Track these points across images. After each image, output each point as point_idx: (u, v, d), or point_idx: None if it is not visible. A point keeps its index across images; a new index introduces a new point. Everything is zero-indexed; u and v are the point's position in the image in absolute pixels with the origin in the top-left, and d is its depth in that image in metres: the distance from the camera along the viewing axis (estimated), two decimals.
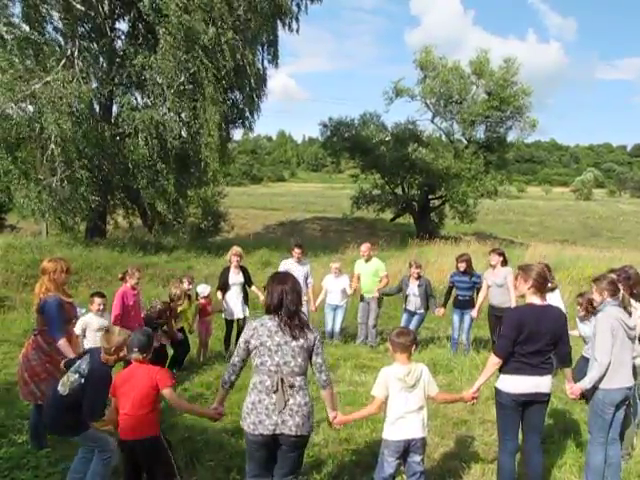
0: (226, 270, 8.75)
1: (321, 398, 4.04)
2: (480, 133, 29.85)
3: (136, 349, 4.00)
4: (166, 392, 3.94)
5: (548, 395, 4.40)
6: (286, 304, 3.66)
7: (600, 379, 4.53)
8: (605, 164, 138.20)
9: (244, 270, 8.86)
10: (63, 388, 4.11)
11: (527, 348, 4.23)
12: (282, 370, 3.60)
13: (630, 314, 4.74)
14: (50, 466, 4.63)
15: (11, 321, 10.20)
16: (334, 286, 9.59)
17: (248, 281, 8.86)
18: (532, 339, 4.22)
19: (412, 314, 9.42)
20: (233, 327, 8.72)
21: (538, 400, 4.34)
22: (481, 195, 28.27)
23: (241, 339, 3.74)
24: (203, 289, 8.65)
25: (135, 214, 22.19)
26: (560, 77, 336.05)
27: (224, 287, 8.62)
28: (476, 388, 4.50)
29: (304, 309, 8.58)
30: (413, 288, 9.33)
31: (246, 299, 8.79)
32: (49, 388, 4.44)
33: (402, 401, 4.05)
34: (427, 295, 9.34)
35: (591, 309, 6.02)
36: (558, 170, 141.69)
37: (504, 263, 8.61)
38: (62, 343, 4.80)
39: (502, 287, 8.39)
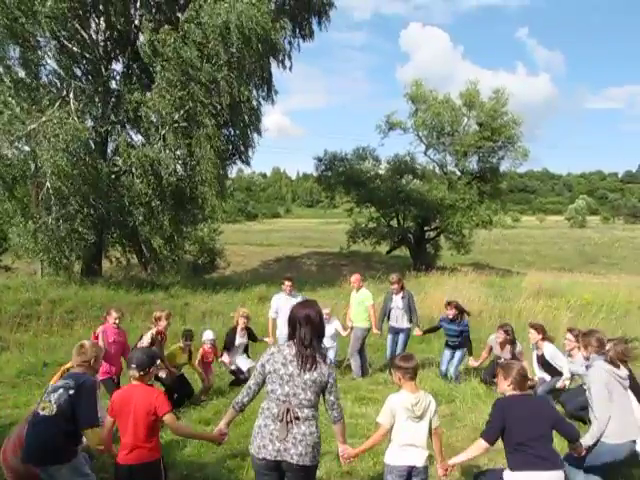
0: (232, 331, 8.93)
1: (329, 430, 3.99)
2: (473, 164, 30.06)
3: (134, 365, 3.96)
4: (167, 418, 3.88)
5: None
6: (299, 334, 3.64)
7: (602, 434, 4.44)
8: (598, 191, 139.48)
9: (249, 331, 9.10)
10: (49, 409, 3.96)
11: (522, 434, 4.06)
12: (290, 401, 3.57)
13: (618, 366, 4.70)
14: None
15: (4, 362, 9.98)
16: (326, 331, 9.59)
17: (254, 339, 9.18)
18: (523, 424, 4.09)
19: (396, 332, 9.52)
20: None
21: None
22: (476, 225, 28.30)
23: (258, 363, 3.73)
24: (208, 335, 8.68)
25: (131, 252, 22.10)
26: (550, 108, 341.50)
27: (229, 348, 8.82)
28: (452, 464, 4.34)
29: None
30: (397, 301, 9.51)
31: (247, 352, 9.14)
32: (27, 421, 4.22)
33: (408, 430, 3.98)
34: (410, 308, 9.43)
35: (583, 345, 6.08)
36: (551, 199, 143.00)
37: (512, 342, 8.36)
38: None
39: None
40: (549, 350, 7.66)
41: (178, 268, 19.88)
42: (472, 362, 8.98)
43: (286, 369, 3.57)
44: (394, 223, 30.66)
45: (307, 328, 3.65)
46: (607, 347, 4.83)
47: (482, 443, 4.21)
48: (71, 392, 3.98)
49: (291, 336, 3.71)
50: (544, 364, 7.75)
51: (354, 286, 9.81)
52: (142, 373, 3.97)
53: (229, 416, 3.88)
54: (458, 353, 9.13)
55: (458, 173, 30.83)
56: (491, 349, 8.61)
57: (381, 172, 31.25)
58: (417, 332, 9.64)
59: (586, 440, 4.49)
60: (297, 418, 3.55)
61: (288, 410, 3.54)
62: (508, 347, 8.25)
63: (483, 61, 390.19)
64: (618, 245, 50.20)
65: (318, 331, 3.73)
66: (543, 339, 7.79)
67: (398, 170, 30.36)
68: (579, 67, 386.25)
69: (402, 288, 9.62)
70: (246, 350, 9.07)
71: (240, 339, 8.86)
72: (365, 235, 30.65)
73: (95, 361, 4.30)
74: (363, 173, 30.12)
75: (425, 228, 31.10)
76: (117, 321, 7.32)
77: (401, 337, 9.53)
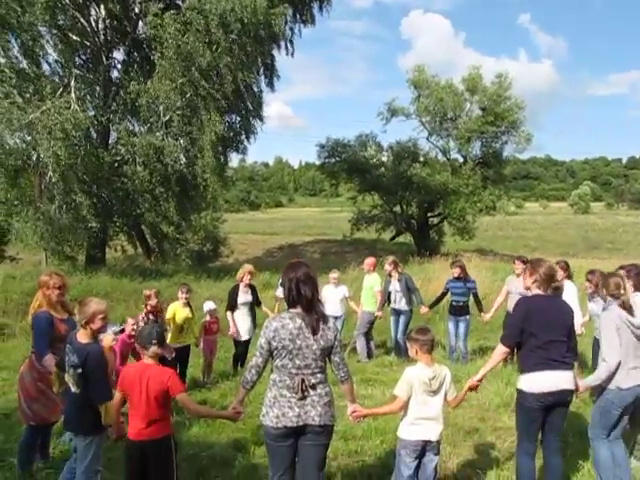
0: (235, 289, 8.54)
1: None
2: (476, 149, 29.95)
3: (155, 341, 3.86)
4: (180, 398, 3.83)
5: (571, 393, 4.27)
6: (304, 293, 3.61)
7: (609, 379, 4.43)
8: (601, 177, 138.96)
9: (253, 289, 8.72)
10: (75, 387, 4.03)
11: (543, 337, 4.13)
12: (303, 372, 3.58)
13: (633, 314, 4.65)
14: None
15: (11, 348, 10.12)
16: (333, 296, 9.56)
17: (257, 301, 8.75)
18: (544, 327, 4.14)
19: (398, 314, 9.56)
20: (241, 347, 8.58)
21: (562, 400, 4.22)
22: (480, 210, 28.23)
23: (262, 340, 3.65)
24: (209, 305, 8.49)
25: (134, 241, 22.12)
26: (553, 94, 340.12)
27: (233, 307, 8.45)
28: (480, 376, 4.39)
29: None
30: (395, 284, 9.52)
31: (254, 320, 8.62)
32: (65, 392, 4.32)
33: (423, 403, 3.97)
34: (408, 289, 9.42)
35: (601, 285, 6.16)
36: (555, 185, 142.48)
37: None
38: (47, 358, 4.60)
39: None
40: (569, 288, 7.46)
41: (183, 256, 19.89)
42: (485, 316, 9.05)
43: (294, 344, 3.55)
44: (397, 210, 30.58)
45: (308, 286, 3.63)
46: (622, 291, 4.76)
47: (502, 348, 4.30)
48: (79, 371, 3.97)
49: (294, 301, 3.65)
50: None
51: (366, 269, 9.81)
52: (160, 349, 3.91)
53: (241, 395, 3.87)
54: (462, 325, 9.12)
55: (461, 159, 30.73)
56: (507, 293, 8.64)
57: (384, 159, 31.16)
58: (423, 309, 9.57)
59: (589, 380, 4.50)
60: (312, 386, 3.58)
61: (303, 380, 3.56)
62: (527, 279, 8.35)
63: (485, 48, 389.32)
64: (622, 230, 50.01)
65: (317, 289, 3.72)
66: (566, 277, 7.72)
67: (401, 156, 30.22)
68: (582, 53, 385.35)
69: (397, 271, 9.57)
70: (252, 309, 8.62)
71: (244, 296, 8.49)
72: (368, 222, 30.59)
73: (100, 320, 4.08)
74: (366, 160, 30.01)
75: (429, 214, 31.02)
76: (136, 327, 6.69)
77: (402, 318, 9.52)
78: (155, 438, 3.78)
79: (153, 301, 7.27)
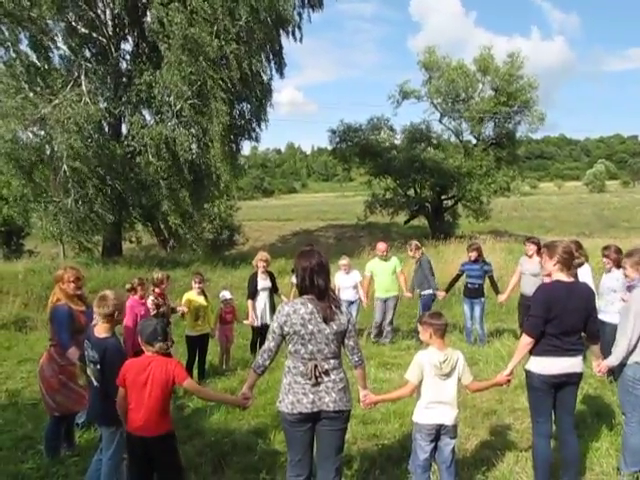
0: (254, 276, 8.67)
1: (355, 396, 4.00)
2: (489, 130, 29.71)
3: (160, 338, 3.83)
4: (187, 384, 3.82)
5: (580, 375, 4.27)
6: (317, 282, 3.61)
7: (628, 355, 4.41)
8: (617, 155, 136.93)
9: (271, 275, 8.86)
10: (95, 381, 4.12)
11: (558, 327, 4.09)
12: (316, 357, 3.58)
13: None
14: (79, 474, 4.61)
15: (34, 341, 10.32)
16: (346, 282, 9.64)
17: (275, 287, 8.85)
18: (563, 317, 4.08)
19: (424, 296, 9.62)
20: (259, 333, 8.60)
21: (570, 381, 4.21)
22: (494, 192, 28.03)
23: (274, 324, 3.66)
24: (224, 294, 8.59)
25: (150, 231, 22.31)
26: (567, 72, 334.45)
27: (254, 294, 8.55)
28: (509, 370, 4.33)
29: None
30: (415, 268, 9.68)
31: (273, 306, 8.63)
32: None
33: (435, 387, 3.98)
34: (425, 274, 9.48)
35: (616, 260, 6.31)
36: (569, 164, 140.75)
37: (540, 252, 8.51)
38: (71, 351, 4.70)
39: (537, 277, 8.29)
40: (584, 270, 7.27)
41: (198, 244, 20.00)
42: (501, 297, 9.03)
43: (306, 329, 3.55)
44: (411, 193, 30.48)
45: (322, 276, 3.64)
46: None
47: (527, 339, 4.19)
48: (98, 367, 4.05)
49: (307, 290, 3.65)
50: None
51: (383, 254, 9.69)
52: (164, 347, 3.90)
53: (251, 380, 3.86)
54: (477, 307, 9.13)
55: (474, 141, 30.49)
56: (520, 274, 8.59)
57: (396, 142, 31.01)
58: (439, 294, 9.61)
59: (611, 360, 4.48)
60: (326, 372, 3.58)
61: (316, 366, 3.56)
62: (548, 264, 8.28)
63: (496, 26, 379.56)
64: (639, 209, 49.28)
65: (329, 277, 3.75)
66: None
67: (414, 139, 30.04)
68: (596, 29, 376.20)
69: (418, 254, 9.65)
70: (271, 295, 8.72)
71: (263, 282, 8.60)
72: (382, 206, 30.50)
73: (119, 313, 4.23)
74: (378, 143, 29.88)
75: (443, 197, 30.87)
76: (145, 294, 6.83)
77: (424, 301, 9.59)
78: (161, 434, 3.74)
79: (165, 285, 7.26)
